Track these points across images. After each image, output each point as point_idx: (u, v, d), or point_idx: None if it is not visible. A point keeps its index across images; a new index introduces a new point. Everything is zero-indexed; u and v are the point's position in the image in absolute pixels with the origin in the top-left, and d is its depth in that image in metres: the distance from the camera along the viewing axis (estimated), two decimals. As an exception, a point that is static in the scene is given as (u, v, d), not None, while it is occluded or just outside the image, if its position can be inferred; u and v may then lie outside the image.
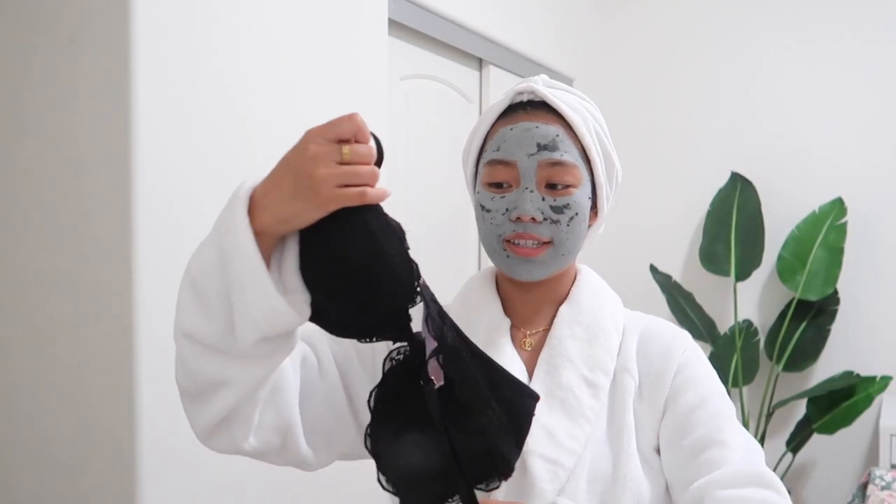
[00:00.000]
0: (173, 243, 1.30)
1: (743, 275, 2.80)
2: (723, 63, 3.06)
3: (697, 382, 0.88)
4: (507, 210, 0.86)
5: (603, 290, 0.97)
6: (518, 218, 0.85)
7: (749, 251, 2.81)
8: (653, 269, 2.96)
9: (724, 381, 2.78)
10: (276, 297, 0.66)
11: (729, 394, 2.92)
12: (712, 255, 2.87)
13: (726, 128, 3.05)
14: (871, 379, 2.65)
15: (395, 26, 1.96)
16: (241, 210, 0.69)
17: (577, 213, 0.87)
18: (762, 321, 2.97)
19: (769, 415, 2.73)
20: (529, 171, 0.86)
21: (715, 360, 2.87)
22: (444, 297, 2.11)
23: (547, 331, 0.92)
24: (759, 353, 2.88)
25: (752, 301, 2.99)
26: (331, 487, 1.67)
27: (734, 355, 2.79)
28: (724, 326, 2.99)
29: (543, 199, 0.86)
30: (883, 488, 2.14)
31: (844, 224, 2.73)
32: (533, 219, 0.85)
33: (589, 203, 0.91)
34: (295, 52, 1.55)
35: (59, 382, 1.33)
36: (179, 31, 1.31)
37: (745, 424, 2.73)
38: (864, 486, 2.27)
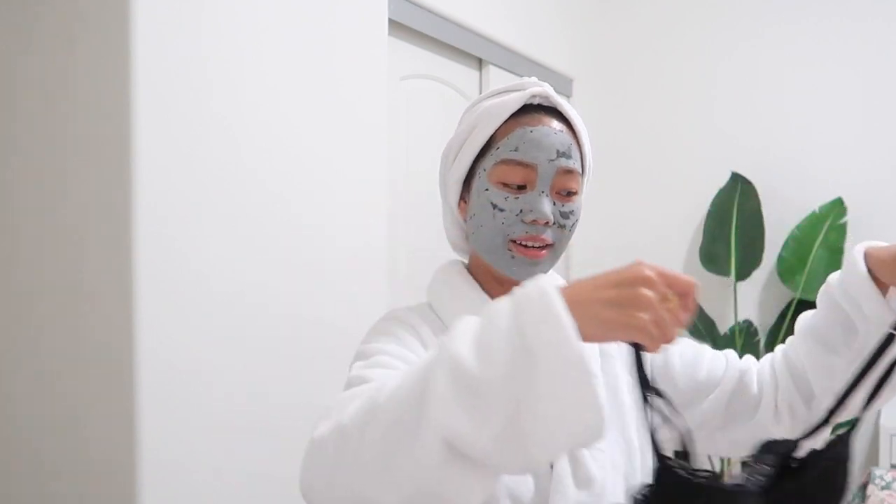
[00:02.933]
0: (173, 243, 1.30)
1: (743, 275, 2.80)
2: (723, 63, 3.06)
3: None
4: (521, 211, 0.86)
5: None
6: (534, 221, 0.86)
7: (749, 251, 2.81)
8: (653, 269, 2.95)
9: (724, 381, 2.79)
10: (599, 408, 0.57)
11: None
12: (712, 255, 2.87)
13: (726, 128, 3.05)
14: (871, 379, 2.64)
15: (395, 26, 1.96)
16: (559, 303, 0.58)
17: (577, 219, 0.92)
18: (762, 321, 2.97)
19: (769, 415, 2.73)
20: (547, 176, 0.87)
21: (715, 360, 2.87)
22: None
23: None
24: (760, 353, 2.88)
25: (752, 301, 2.99)
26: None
27: (734, 355, 2.79)
28: (724, 326, 2.99)
29: (554, 203, 0.88)
30: (883, 488, 2.14)
31: (844, 224, 2.73)
32: (547, 222, 0.87)
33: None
34: (295, 51, 1.55)
35: (58, 382, 1.33)
36: (179, 30, 1.31)
37: (745, 424, 2.73)
38: (864, 486, 2.27)
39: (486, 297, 0.92)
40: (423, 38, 2.12)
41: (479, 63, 2.43)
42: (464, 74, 2.35)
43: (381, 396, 0.62)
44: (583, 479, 0.83)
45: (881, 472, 2.19)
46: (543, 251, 0.88)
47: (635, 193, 3.27)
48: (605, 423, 0.58)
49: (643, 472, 0.89)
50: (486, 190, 0.88)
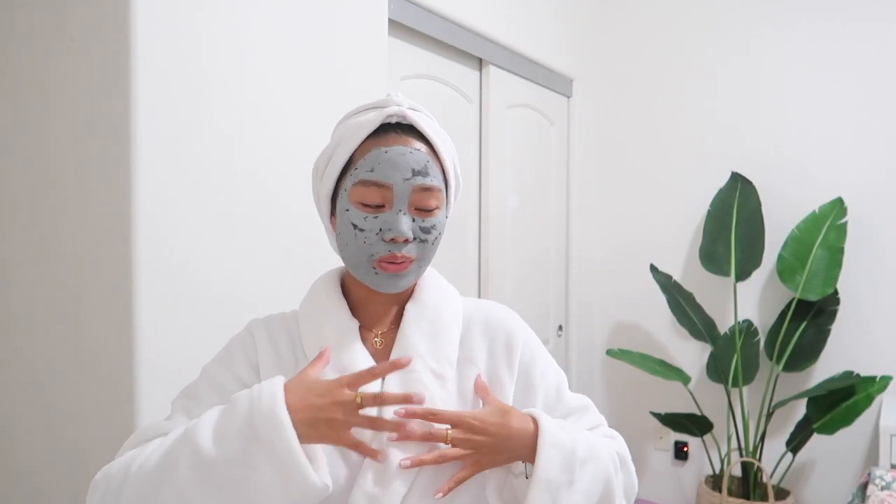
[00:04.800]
0: (173, 242, 1.30)
1: (743, 275, 2.80)
2: (723, 63, 3.06)
3: (537, 363, 1.02)
4: (380, 230, 0.89)
5: (444, 287, 1.03)
6: (392, 239, 0.89)
7: (749, 251, 2.81)
8: (653, 269, 2.96)
9: (724, 381, 2.80)
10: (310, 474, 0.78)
11: (729, 394, 2.91)
12: (712, 255, 2.87)
13: (726, 128, 3.05)
14: (871, 379, 2.65)
15: (395, 26, 1.96)
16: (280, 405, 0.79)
17: (439, 233, 0.94)
18: (762, 321, 2.97)
19: (769, 415, 2.73)
20: (403, 195, 0.89)
21: (715, 360, 2.87)
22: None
23: (395, 329, 0.98)
24: (759, 353, 2.88)
25: (752, 301, 2.99)
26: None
27: (734, 355, 2.79)
28: (724, 326, 2.99)
29: (413, 220, 0.91)
30: (883, 488, 2.14)
31: (844, 224, 2.73)
32: (406, 240, 0.90)
33: (446, 221, 0.97)
34: (295, 51, 1.55)
35: (59, 383, 1.33)
36: (179, 30, 1.31)
37: (745, 424, 2.73)
38: (864, 486, 2.27)
39: (338, 302, 0.97)
40: (423, 38, 2.12)
41: (479, 63, 2.43)
42: (464, 74, 2.35)
43: (140, 460, 0.81)
44: (386, 476, 0.88)
45: (881, 472, 2.19)
46: (406, 265, 0.91)
47: (635, 193, 3.27)
48: (317, 494, 0.77)
49: (475, 484, 0.93)
50: (347, 210, 0.91)
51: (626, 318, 3.30)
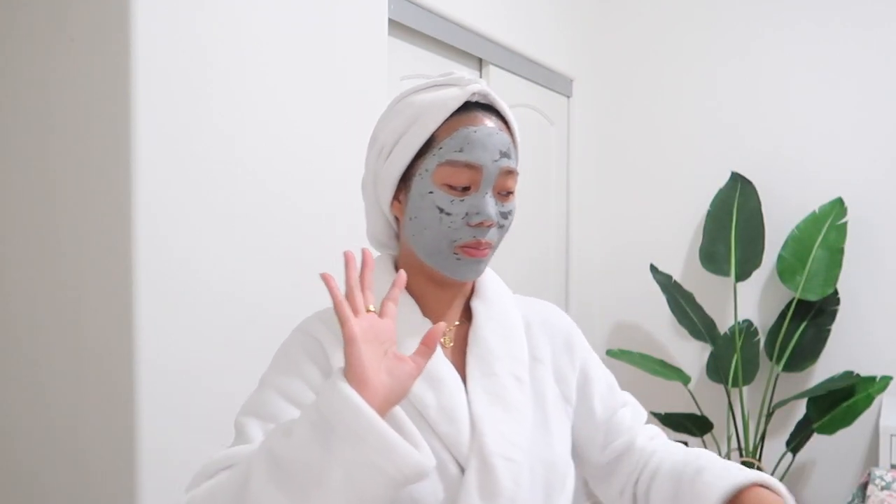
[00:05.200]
0: (173, 242, 1.30)
1: (743, 275, 2.80)
2: (723, 63, 3.06)
3: (591, 358, 1.02)
4: (466, 214, 0.85)
5: (500, 282, 1.01)
6: (480, 223, 0.85)
7: (749, 251, 2.81)
8: (653, 269, 2.96)
9: (724, 381, 2.79)
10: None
11: (729, 394, 2.91)
12: (712, 255, 2.87)
13: (726, 128, 3.05)
14: (871, 379, 2.64)
15: (395, 26, 1.96)
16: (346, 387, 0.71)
17: (513, 219, 0.91)
18: (762, 321, 2.97)
19: (769, 415, 2.73)
20: (490, 177, 0.86)
21: (715, 360, 2.87)
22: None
23: (461, 326, 0.94)
24: (759, 353, 2.88)
25: (752, 301, 2.99)
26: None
27: (734, 355, 2.79)
28: (724, 326, 2.99)
29: (496, 204, 0.87)
30: (883, 488, 2.14)
31: (844, 224, 2.73)
32: (491, 224, 0.86)
33: None
34: (295, 51, 1.55)
35: (58, 383, 1.33)
36: (179, 30, 1.30)
37: (745, 424, 2.73)
38: (864, 486, 2.27)
39: (407, 299, 0.91)
40: (423, 38, 2.12)
41: (479, 63, 2.43)
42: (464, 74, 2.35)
43: (221, 489, 0.72)
44: (489, 491, 0.82)
45: (881, 472, 2.19)
46: (486, 251, 0.88)
47: (635, 193, 3.27)
48: (424, 461, 0.69)
49: (566, 486, 0.92)
50: (431, 193, 0.86)
51: (626, 318, 3.30)
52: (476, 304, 0.95)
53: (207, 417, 1.36)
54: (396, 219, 0.94)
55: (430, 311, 0.92)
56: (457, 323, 0.95)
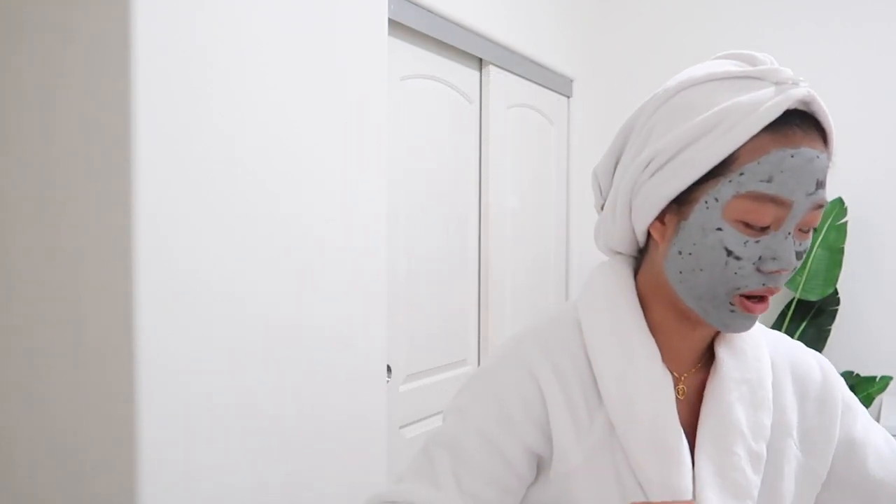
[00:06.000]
0: (174, 243, 1.30)
1: (743, 275, 2.80)
2: (723, 63, 3.06)
3: (861, 418, 0.82)
4: (760, 258, 0.66)
5: (756, 325, 0.79)
6: (775, 270, 0.67)
7: (749, 251, 2.81)
8: (653, 269, 2.96)
9: (724, 381, 2.79)
10: None
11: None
12: (712, 255, 2.87)
13: (726, 128, 3.05)
14: (871, 379, 2.65)
15: (395, 26, 1.96)
16: None
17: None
18: (762, 321, 2.97)
19: (769, 415, 2.73)
20: (798, 214, 0.66)
21: (715, 360, 2.87)
22: (447, 296, 2.09)
23: (699, 372, 0.77)
24: (759, 353, 2.88)
25: (752, 301, 2.99)
26: (332, 488, 1.67)
27: (734, 355, 2.79)
28: (724, 326, 2.99)
29: (792, 243, 0.67)
30: (883, 488, 2.14)
31: (844, 224, 2.73)
32: (787, 271, 0.68)
33: None
34: (295, 52, 1.55)
35: (59, 382, 1.33)
36: (179, 30, 1.30)
37: (745, 424, 2.73)
38: (864, 486, 2.27)
39: (648, 342, 0.73)
40: (423, 38, 2.12)
41: (479, 63, 2.43)
42: (464, 74, 2.35)
43: None
44: None
45: (881, 472, 2.19)
46: (767, 301, 0.70)
47: (635, 193, 3.27)
48: None
49: None
50: (719, 230, 0.66)
51: (626, 318, 3.30)
52: (722, 353, 0.76)
53: (207, 420, 1.36)
54: (649, 233, 0.75)
55: (669, 351, 0.75)
56: (693, 369, 0.77)
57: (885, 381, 2.63)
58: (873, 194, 2.80)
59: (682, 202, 0.69)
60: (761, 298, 0.69)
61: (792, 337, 2.81)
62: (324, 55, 1.63)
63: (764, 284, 0.67)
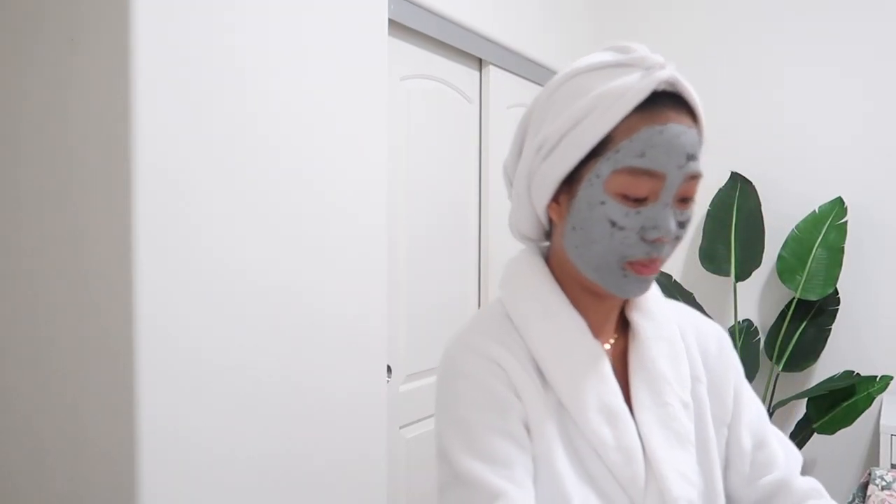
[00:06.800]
0: (174, 244, 1.30)
1: (743, 275, 2.80)
2: (722, 63, 3.06)
3: (744, 381, 0.90)
4: (641, 228, 0.73)
5: (657, 289, 0.89)
6: (657, 239, 0.73)
7: (749, 251, 2.81)
8: (653, 269, 2.95)
9: (725, 381, 2.79)
10: None
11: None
12: (712, 255, 2.87)
13: (726, 128, 3.05)
14: (871, 379, 2.64)
15: (395, 26, 1.96)
16: None
17: (689, 227, 0.80)
18: (762, 321, 2.97)
19: (769, 414, 2.72)
20: (673, 186, 0.73)
21: (715, 360, 2.86)
22: (447, 296, 2.09)
23: (616, 343, 0.84)
24: (759, 352, 2.88)
25: (752, 301, 2.99)
26: (331, 488, 1.67)
27: (734, 355, 2.79)
28: (724, 326, 2.98)
29: (674, 213, 0.74)
30: (883, 488, 2.14)
31: (844, 224, 2.73)
32: (668, 239, 0.74)
33: None
34: (295, 52, 1.55)
35: (59, 382, 1.33)
36: (179, 31, 1.30)
37: (746, 424, 2.73)
38: (864, 486, 2.26)
39: (573, 313, 0.80)
40: (423, 38, 2.12)
41: (479, 63, 2.43)
42: (464, 74, 2.35)
43: None
44: None
45: (881, 472, 2.19)
46: (657, 265, 0.76)
47: (635, 193, 3.27)
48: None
49: None
50: (603, 203, 0.73)
51: (626, 318, 3.30)
52: (637, 318, 0.83)
53: (207, 418, 1.36)
54: (550, 219, 0.82)
55: (592, 328, 0.82)
56: (612, 340, 0.84)
57: (885, 381, 2.63)
58: (873, 194, 2.80)
59: (571, 182, 0.76)
60: (650, 265, 0.75)
61: (791, 337, 2.81)
62: (324, 55, 1.63)
63: (648, 254, 0.74)
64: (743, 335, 2.86)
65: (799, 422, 2.76)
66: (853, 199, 2.80)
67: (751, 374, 2.82)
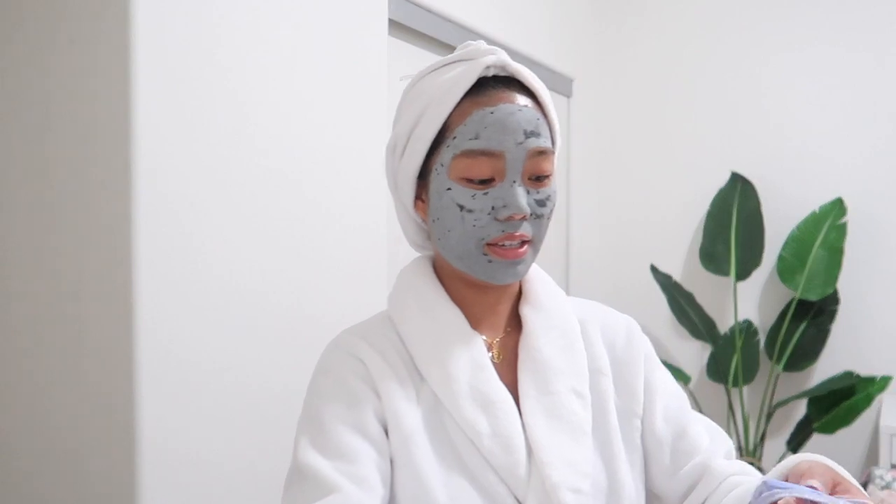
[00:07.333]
0: (174, 244, 1.30)
1: (743, 275, 2.80)
2: (723, 63, 3.06)
3: (659, 369, 0.90)
4: (492, 208, 0.74)
5: (551, 283, 0.89)
6: (509, 217, 0.74)
7: (749, 251, 2.81)
8: (653, 269, 2.96)
9: (724, 381, 2.79)
10: None
11: (729, 394, 2.92)
12: (712, 255, 2.87)
13: (726, 128, 3.05)
14: (871, 379, 2.65)
15: (395, 26, 1.96)
16: None
17: (553, 206, 0.79)
18: (762, 321, 2.97)
19: (769, 415, 2.73)
20: (517, 163, 0.74)
21: (715, 359, 2.87)
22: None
23: (509, 337, 0.84)
24: (760, 352, 2.88)
25: (752, 301, 2.99)
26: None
27: (734, 355, 2.79)
28: (724, 326, 2.99)
29: (528, 192, 0.76)
30: (883, 488, 2.14)
31: (844, 224, 2.73)
32: (524, 216, 0.75)
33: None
34: (295, 51, 1.55)
35: (59, 383, 1.33)
36: (179, 31, 1.31)
37: (745, 424, 2.73)
38: (864, 486, 2.27)
39: (451, 308, 0.81)
40: (423, 38, 2.12)
41: (479, 63, 2.43)
42: (464, 74, 2.35)
43: None
44: None
45: (881, 472, 2.19)
46: (523, 248, 0.77)
47: (635, 193, 3.27)
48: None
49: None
50: (449, 189, 0.76)
51: (626, 318, 3.30)
52: (526, 311, 0.84)
53: (207, 416, 1.36)
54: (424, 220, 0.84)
55: (476, 321, 0.83)
56: (503, 334, 0.84)
57: (885, 381, 2.63)
58: (873, 194, 2.80)
59: (424, 176, 0.79)
60: (520, 245, 0.76)
61: (792, 337, 2.82)
62: (324, 55, 1.63)
63: (503, 231, 0.75)
64: (743, 335, 2.87)
65: (799, 422, 2.76)
66: (853, 200, 2.80)
67: (751, 375, 2.82)
